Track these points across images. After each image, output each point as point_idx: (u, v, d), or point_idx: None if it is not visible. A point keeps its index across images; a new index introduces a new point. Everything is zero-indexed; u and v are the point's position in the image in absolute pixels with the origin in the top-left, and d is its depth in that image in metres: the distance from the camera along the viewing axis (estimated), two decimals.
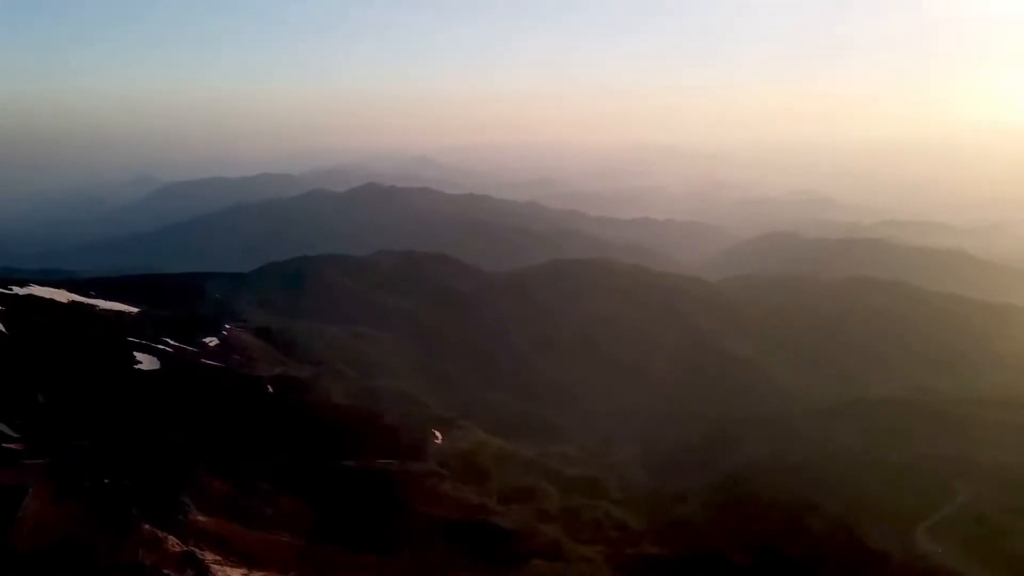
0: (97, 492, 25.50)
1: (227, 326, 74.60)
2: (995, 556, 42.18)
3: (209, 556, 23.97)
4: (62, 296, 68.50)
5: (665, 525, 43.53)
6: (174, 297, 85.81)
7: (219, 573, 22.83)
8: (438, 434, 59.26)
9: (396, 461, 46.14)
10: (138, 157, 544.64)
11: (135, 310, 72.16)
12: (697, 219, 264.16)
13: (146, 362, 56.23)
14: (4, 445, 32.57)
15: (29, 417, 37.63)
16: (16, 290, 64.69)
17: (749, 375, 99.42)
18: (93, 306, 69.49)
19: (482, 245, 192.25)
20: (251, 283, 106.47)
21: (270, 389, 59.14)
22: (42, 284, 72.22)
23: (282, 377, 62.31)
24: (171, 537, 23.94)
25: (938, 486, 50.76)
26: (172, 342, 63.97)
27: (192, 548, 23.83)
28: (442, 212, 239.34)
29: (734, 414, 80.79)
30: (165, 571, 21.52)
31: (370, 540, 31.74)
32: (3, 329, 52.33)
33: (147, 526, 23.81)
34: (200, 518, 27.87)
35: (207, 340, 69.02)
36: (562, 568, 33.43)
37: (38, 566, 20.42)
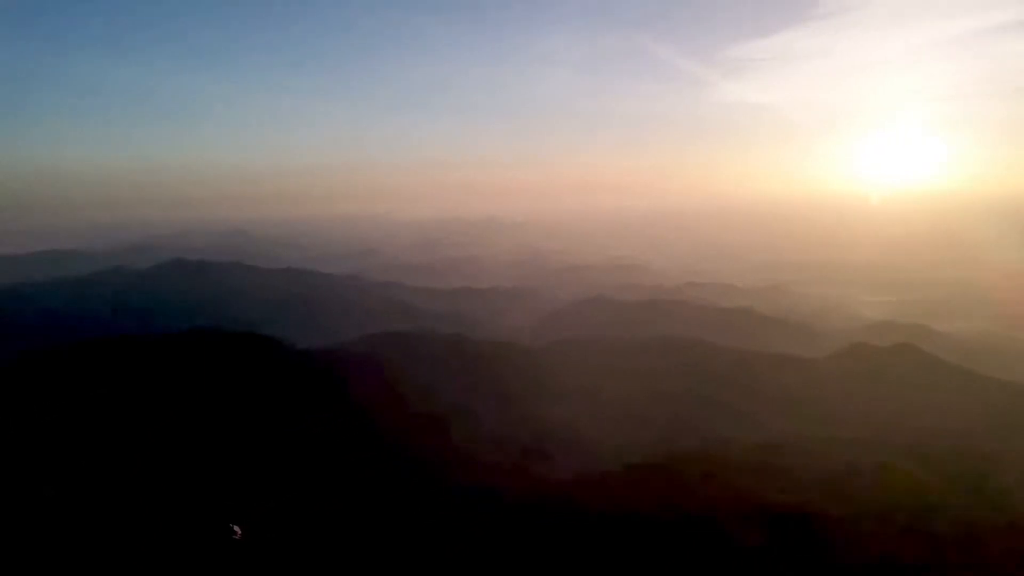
0: None
1: None
2: None
3: None
4: None
5: None
6: None
7: None
8: (237, 530, 54.79)
9: None
10: None
11: None
12: (517, 286, 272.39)
13: None
14: None
15: None
16: None
17: (567, 440, 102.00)
18: None
19: (299, 321, 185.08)
20: (13, 375, 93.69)
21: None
22: None
23: (43, 489, 54.84)
24: None
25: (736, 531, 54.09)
26: None
27: None
28: (257, 287, 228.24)
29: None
30: None
31: None
32: None
33: None
34: None
35: None
36: None
37: None
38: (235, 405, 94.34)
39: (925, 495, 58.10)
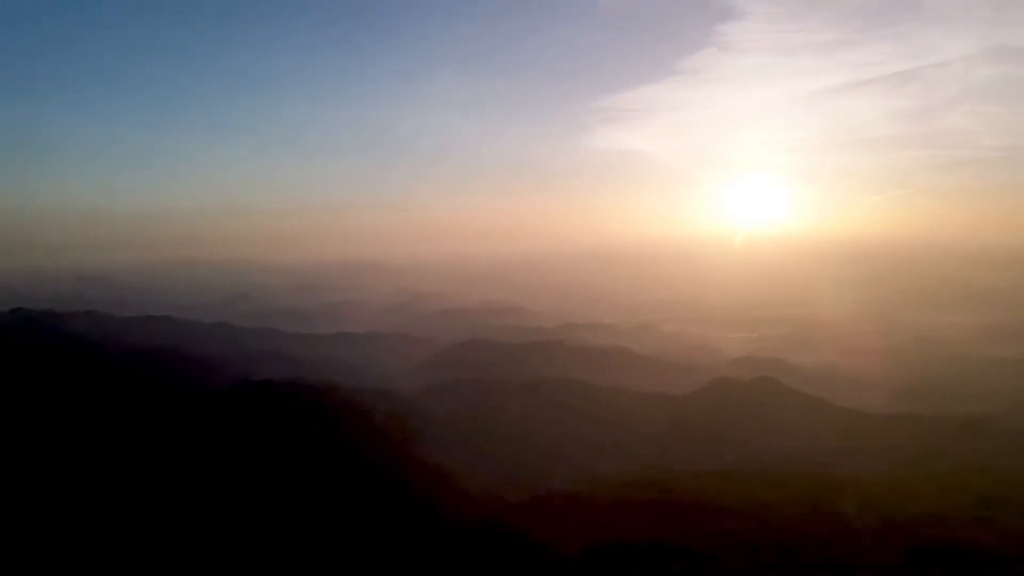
0: None
1: None
2: None
3: None
4: None
5: None
6: None
7: None
8: None
9: None
10: None
11: None
12: (398, 331, 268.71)
13: None
14: None
15: None
16: None
17: (445, 488, 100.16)
18: None
19: (162, 372, 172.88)
20: None
21: None
22: None
23: None
24: None
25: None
26: None
27: None
28: (112, 337, 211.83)
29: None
30: None
31: None
32: None
33: None
34: None
35: None
36: None
37: None
38: (84, 467, 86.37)
39: (781, 524, 61.24)
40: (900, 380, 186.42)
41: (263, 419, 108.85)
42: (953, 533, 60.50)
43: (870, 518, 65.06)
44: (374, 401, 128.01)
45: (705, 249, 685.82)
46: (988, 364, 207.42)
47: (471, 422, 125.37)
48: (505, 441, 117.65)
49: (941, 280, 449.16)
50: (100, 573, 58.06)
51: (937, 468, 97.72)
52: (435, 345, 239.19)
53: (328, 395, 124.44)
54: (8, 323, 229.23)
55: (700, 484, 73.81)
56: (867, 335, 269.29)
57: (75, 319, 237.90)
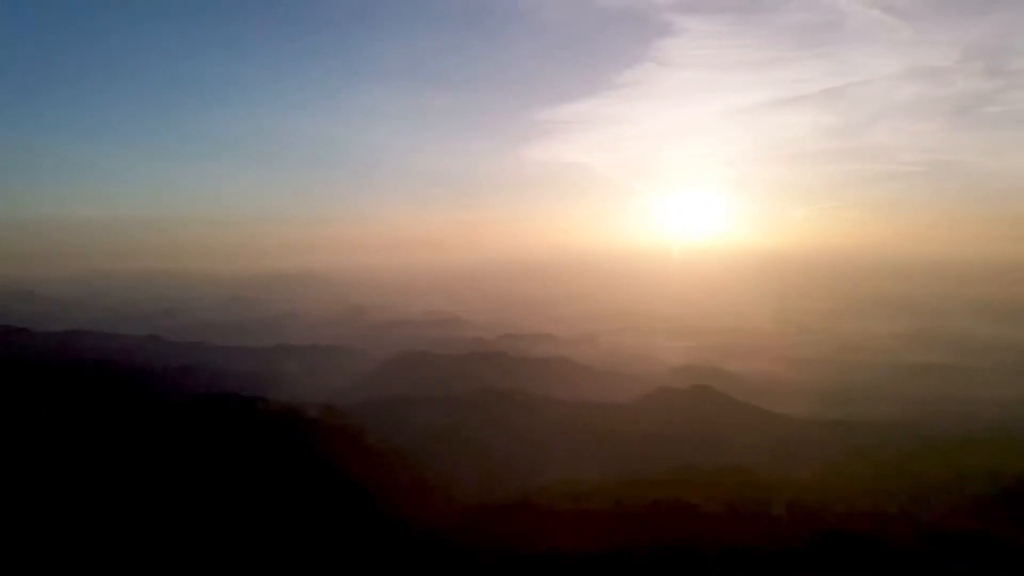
0: None
1: None
2: None
3: None
4: None
5: None
6: None
7: None
8: None
9: None
10: None
11: None
12: (337, 343, 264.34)
13: None
14: None
15: None
16: None
17: (391, 500, 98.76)
18: None
19: (87, 388, 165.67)
20: None
21: None
22: None
23: None
24: None
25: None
26: None
27: None
28: (36, 354, 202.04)
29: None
30: None
31: None
32: None
33: None
34: None
35: None
36: None
37: None
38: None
39: (715, 526, 62.67)
40: (828, 386, 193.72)
41: (197, 434, 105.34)
42: (876, 530, 62.98)
43: (798, 517, 67.21)
44: (313, 415, 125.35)
45: (644, 260, 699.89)
46: (910, 371, 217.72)
47: (413, 435, 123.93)
48: (446, 453, 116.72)
49: (866, 290, 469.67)
50: None
51: (861, 469, 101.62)
52: (375, 357, 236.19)
53: (262, 409, 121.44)
54: None
55: (639, 491, 74.89)
56: (797, 344, 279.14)
57: None
